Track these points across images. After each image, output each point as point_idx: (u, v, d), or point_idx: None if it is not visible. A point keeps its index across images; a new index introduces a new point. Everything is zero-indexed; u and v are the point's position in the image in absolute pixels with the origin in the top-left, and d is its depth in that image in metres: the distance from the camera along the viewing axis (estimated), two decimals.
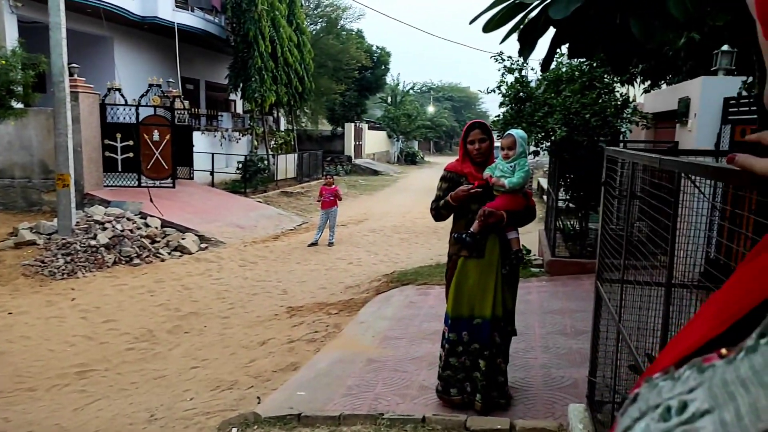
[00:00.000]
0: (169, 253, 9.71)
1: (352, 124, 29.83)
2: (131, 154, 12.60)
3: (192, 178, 14.17)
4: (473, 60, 63.52)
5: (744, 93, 5.02)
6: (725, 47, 6.38)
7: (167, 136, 12.86)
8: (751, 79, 2.25)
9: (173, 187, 13.06)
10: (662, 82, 9.26)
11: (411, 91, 46.78)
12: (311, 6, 25.90)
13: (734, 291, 0.43)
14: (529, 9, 1.72)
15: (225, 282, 8.26)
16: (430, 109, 50.85)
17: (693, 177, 1.65)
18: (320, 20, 26.21)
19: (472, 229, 3.39)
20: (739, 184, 1.24)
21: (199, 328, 6.35)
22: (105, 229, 9.52)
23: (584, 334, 4.66)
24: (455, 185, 3.48)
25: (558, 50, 2.06)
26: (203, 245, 10.31)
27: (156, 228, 10.29)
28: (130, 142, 12.49)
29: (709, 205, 2.19)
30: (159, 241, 9.99)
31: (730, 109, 5.91)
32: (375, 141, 34.91)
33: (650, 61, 7.42)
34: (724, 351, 0.37)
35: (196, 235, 10.49)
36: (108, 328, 6.36)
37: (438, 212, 3.52)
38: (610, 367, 2.58)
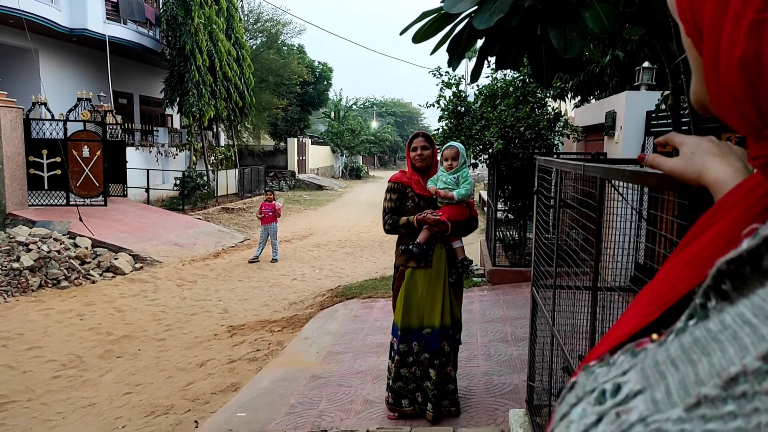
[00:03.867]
0: (100, 275, 9.22)
1: (295, 139, 29.62)
2: (59, 171, 11.94)
3: (126, 196, 13.59)
4: (415, 75, 64.76)
5: (662, 106, 5.34)
6: (646, 64, 6.80)
7: (98, 152, 12.29)
8: (667, 92, 2.39)
9: (105, 205, 12.48)
10: (591, 97, 9.76)
11: (354, 107, 47.03)
12: (251, 21, 25.66)
13: (666, 280, 0.45)
14: (456, 21, 1.75)
15: (161, 303, 7.92)
16: (374, 124, 51.32)
17: (614, 182, 1.73)
18: (260, 35, 25.99)
19: (419, 240, 3.41)
20: (653, 186, 1.30)
21: (132, 352, 6.04)
22: (29, 250, 8.94)
23: (524, 340, 4.76)
24: (403, 196, 3.52)
25: (487, 63, 2.11)
26: (138, 265, 9.87)
27: (86, 248, 9.76)
28: (58, 159, 11.84)
29: (632, 210, 2.30)
30: (89, 262, 9.48)
31: (652, 122, 6.28)
32: (319, 156, 34.78)
33: (573, 72, 7.80)
34: (655, 336, 0.38)
35: (130, 254, 10.03)
36: (32, 356, 5.94)
37: (395, 229, 3.51)
38: (547, 371, 2.64)
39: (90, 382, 5.31)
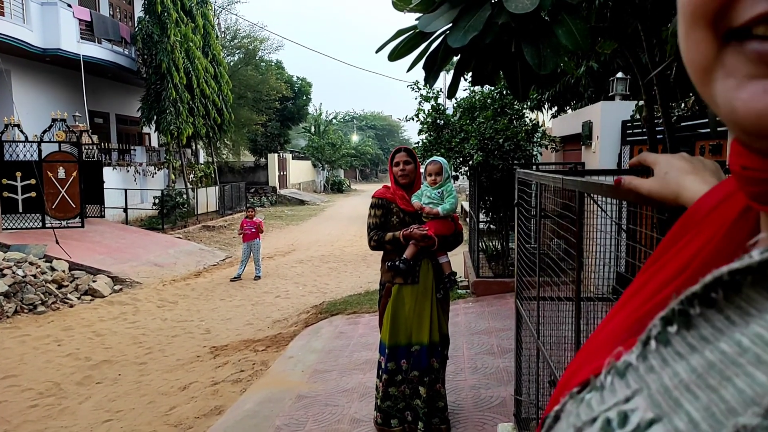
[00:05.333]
0: (78, 298, 9.02)
1: (276, 155, 29.53)
2: (33, 194, 11.71)
3: (103, 216, 13.37)
4: (394, 89, 65.28)
5: (637, 116, 5.43)
6: (620, 74, 6.93)
7: (74, 173, 12.10)
8: (641, 102, 2.43)
9: (82, 226, 12.25)
10: (567, 107, 9.91)
11: (334, 121, 47.15)
12: (228, 38, 25.64)
13: (643, 297, 0.43)
14: (432, 38, 1.76)
15: (141, 325, 7.76)
16: (354, 137, 51.45)
17: (593, 195, 1.74)
18: (238, 51, 25.97)
19: (405, 255, 3.38)
20: (631, 201, 1.30)
21: (112, 377, 5.89)
22: (4, 275, 8.71)
23: (510, 352, 4.76)
24: (387, 212, 3.50)
25: (464, 78, 2.12)
26: (117, 287, 9.67)
27: (63, 271, 9.55)
28: (32, 181, 11.62)
29: (611, 222, 2.32)
30: (67, 286, 9.27)
31: (628, 131, 6.39)
32: (300, 171, 34.72)
33: (548, 87, 7.91)
34: (621, 348, 0.38)
35: (108, 276, 9.83)
36: (7, 385, 5.75)
37: (380, 245, 3.48)
38: (534, 384, 2.63)
39: (68, 410, 5.16)
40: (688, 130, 5.14)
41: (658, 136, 2.71)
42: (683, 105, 5.26)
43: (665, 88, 1.97)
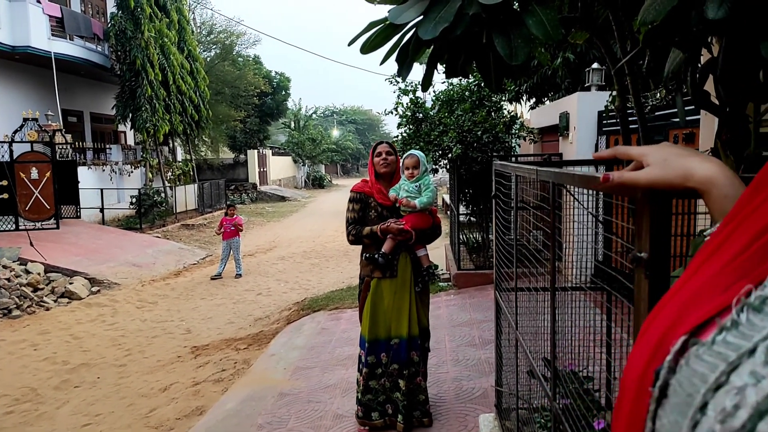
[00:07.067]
0: (55, 301, 8.84)
1: (255, 151, 29.26)
2: (6, 195, 11.43)
3: (79, 217, 13.11)
4: (373, 83, 65.05)
5: (611, 107, 5.49)
6: (595, 65, 6.98)
7: (47, 173, 11.83)
8: (615, 93, 2.45)
9: (57, 227, 12.00)
10: (545, 98, 9.97)
11: (314, 116, 46.86)
12: (204, 33, 25.28)
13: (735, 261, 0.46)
14: (404, 31, 1.74)
15: (120, 327, 7.64)
16: (335, 132, 51.17)
17: (568, 186, 1.74)
18: (214, 47, 25.62)
19: (383, 249, 3.38)
20: (603, 191, 1.30)
21: (91, 381, 5.79)
22: None
23: (491, 343, 4.78)
24: (365, 206, 3.50)
25: (437, 71, 2.11)
26: (94, 289, 9.51)
27: (38, 274, 9.35)
28: (4, 182, 11.34)
29: (585, 212, 2.33)
30: (43, 288, 9.08)
31: (604, 122, 6.45)
32: (280, 167, 34.45)
33: (521, 78, 7.96)
34: (749, 286, 0.41)
35: (85, 278, 9.66)
36: None
37: (359, 239, 3.47)
38: (514, 375, 2.64)
39: (46, 415, 5.06)
40: (662, 119, 5.20)
41: (631, 126, 2.74)
42: (657, 95, 5.32)
43: (637, 78, 1.98)
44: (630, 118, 2.44)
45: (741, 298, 0.41)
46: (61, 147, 12.32)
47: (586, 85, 6.99)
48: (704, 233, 0.66)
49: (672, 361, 0.43)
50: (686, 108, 1.95)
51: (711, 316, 0.43)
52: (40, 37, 14.09)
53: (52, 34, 14.64)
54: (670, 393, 0.43)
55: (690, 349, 0.42)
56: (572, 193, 2.05)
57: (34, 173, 11.73)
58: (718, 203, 0.62)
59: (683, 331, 0.44)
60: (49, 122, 12.56)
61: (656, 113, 5.25)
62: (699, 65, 1.66)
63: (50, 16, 14.64)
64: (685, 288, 0.49)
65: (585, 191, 2.11)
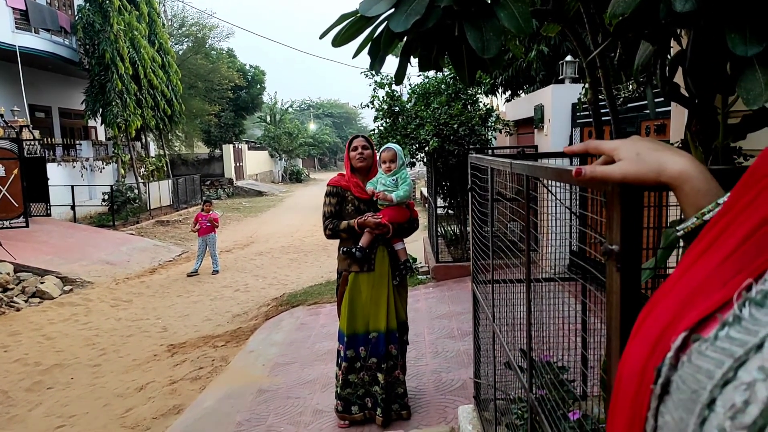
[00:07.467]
0: (25, 301, 8.62)
1: (231, 146, 28.90)
2: None
3: (49, 215, 12.79)
4: (350, 76, 64.76)
5: (584, 99, 5.55)
6: (569, 58, 7.05)
7: (15, 171, 11.48)
8: (587, 85, 2.47)
9: (27, 226, 11.68)
10: (520, 91, 10.04)
11: (290, 109, 46.38)
12: (175, 26, 24.79)
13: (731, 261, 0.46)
14: (375, 24, 1.72)
15: (94, 326, 7.49)
16: (312, 126, 50.82)
17: (541, 179, 1.75)
18: (186, 40, 25.17)
19: (361, 243, 3.38)
20: (574, 183, 1.31)
21: (64, 382, 5.67)
22: None
23: (470, 335, 4.82)
24: (342, 200, 3.48)
25: (411, 64, 2.09)
26: (67, 288, 9.30)
27: (8, 274, 9.10)
28: None
29: (560, 205, 2.35)
30: (12, 288, 8.85)
31: (577, 114, 6.52)
32: (257, 161, 34.09)
33: (494, 71, 7.99)
34: (750, 280, 0.41)
35: (57, 277, 9.44)
36: None
37: (336, 233, 3.45)
38: (491, 366, 2.66)
39: (17, 418, 4.94)
40: (634, 111, 5.28)
41: (604, 118, 2.76)
42: (629, 87, 5.40)
43: (608, 71, 2.00)
44: (602, 110, 2.47)
45: (742, 293, 0.41)
46: (28, 143, 11.98)
47: (560, 77, 7.05)
48: (677, 227, 0.66)
49: (673, 358, 0.43)
50: (657, 100, 1.97)
51: (711, 311, 0.43)
52: (3, 30, 13.66)
53: (17, 27, 14.20)
54: (672, 390, 0.43)
55: (691, 345, 0.42)
56: (547, 186, 2.06)
57: (1, 171, 11.39)
58: (690, 198, 0.63)
59: (683, 327, 0.44)
60: (16, 118, 12.21)
61: (628, 105, 5.32)
62: (668, 57, 1.68)
63: (14, 8, 14.19)
64: (682, 283, 0.49)
65: (560, 184, 2.12)
